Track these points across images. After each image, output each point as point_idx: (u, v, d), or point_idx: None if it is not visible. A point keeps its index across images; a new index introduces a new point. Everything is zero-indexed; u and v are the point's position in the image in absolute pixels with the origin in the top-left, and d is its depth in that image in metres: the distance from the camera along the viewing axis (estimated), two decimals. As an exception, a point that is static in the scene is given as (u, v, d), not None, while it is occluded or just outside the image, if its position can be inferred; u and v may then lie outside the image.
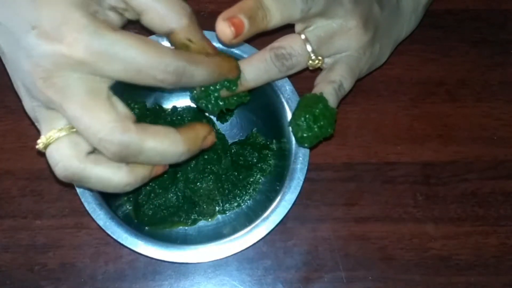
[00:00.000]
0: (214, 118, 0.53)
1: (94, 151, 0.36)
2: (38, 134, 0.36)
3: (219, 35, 0.39)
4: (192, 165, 0.49)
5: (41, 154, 0.36)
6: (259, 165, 0.51)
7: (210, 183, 0.49)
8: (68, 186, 0.48)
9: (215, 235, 0.47)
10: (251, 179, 0.51)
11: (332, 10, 0.42)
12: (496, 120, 0.54)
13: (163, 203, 0.48)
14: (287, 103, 0.47)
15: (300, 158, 0.46)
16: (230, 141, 0.52)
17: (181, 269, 0.49)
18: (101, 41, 0.33)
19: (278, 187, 0.47)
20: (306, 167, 0.46)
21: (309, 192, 0.51)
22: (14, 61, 0.36)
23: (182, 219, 0.50)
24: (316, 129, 0.42)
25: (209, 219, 0.50)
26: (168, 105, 0.52)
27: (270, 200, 0.46)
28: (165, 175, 0.47)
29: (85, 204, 0.44)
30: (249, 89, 0.43)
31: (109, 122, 0.34)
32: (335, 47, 0.44)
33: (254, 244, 0.44)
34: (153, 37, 0.45)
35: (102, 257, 0.49)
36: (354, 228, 0.50)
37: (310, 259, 0.49)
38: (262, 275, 0.49)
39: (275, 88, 0.48)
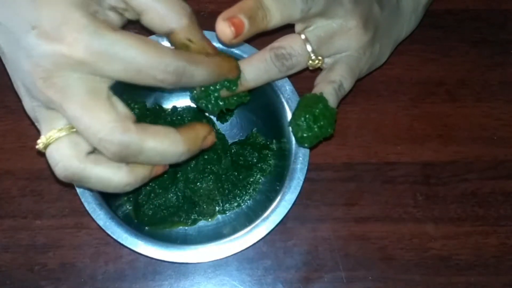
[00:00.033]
0: (214, 118, 0.52)
1: (94, 151, 0.36)
2: (38, 134, 0.36)
3: (219, 35, 0.39)
4: (192, 165, 0.49)
5: (41, 154, 0.36)
6: (259, 165, 0.51)
7: (210, 183, 0.49)
8: (68, 186, 0.48)
9: (215, 235, 0.47)
10: (251, 179, 0.51)
11: (332, 10, 0.42)
12: (496, 120, 0.54)
13: (163, 203, 0.48)
14: (287, 103, 0.47)
15: (300, 158, 0.46)
16: (230, 141, 0.52)
17: (181, 269, 0.49)
18: (101, 41, 0.33)
19: (278, 187, 0.47)
20: (306, 167, 0.46)
21: (309, 192, 0.51)
22: (14, 61, 0.36)
23: (182, 219, 0.50)
24: (316, 129, 0.42)
25: (209, 219, 0.50)
26: (168, 105, 0.52)
27: (270, 200, 0.46)
28: (165, 175, 0.47)
29: (85, 204, 0.44)
30: (249, 89, 0.43)
31: (109, 122, 0.34)
32: (335, 47, 0.44)
33: (254, 244, 0.44)
34: (153, 37, 0.44)
35: (102, 257, 0.49)
36: (354, 228, 0.50)
37: (310, 259, 0.49)
38: (262, 275, 0.49)
39: (275, 88, 0.48)
